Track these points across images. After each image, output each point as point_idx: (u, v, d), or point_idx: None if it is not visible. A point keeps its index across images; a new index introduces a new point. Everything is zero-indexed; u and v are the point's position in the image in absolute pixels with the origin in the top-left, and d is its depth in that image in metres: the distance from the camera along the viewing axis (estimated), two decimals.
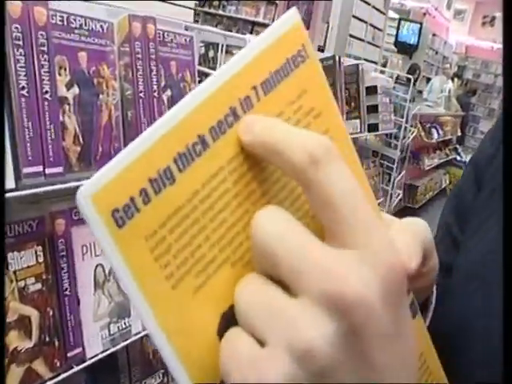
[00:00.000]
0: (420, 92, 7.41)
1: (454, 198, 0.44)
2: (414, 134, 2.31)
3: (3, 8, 0.54)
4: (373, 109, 1.78)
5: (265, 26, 4.35)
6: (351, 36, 5.70)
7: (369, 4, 6.20)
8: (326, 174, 0.16)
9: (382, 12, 7.04)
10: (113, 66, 0.75)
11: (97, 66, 0.73)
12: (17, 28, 0.60)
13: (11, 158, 0.61)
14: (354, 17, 5.72)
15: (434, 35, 8.37)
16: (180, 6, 0.98)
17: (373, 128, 1.76)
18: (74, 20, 0.70)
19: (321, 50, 5.51)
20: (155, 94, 0.79)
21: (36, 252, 0.72)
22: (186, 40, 0.90)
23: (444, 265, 0.38)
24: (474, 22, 10.87)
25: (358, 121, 1.63)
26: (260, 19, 4.41)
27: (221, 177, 0.17)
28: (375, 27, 6.76)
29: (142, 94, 0.77)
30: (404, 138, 2.01)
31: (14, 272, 0.68)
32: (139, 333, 0.87)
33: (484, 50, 10.45)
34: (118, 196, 0.15)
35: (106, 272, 0.82)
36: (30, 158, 0.62)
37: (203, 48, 1.05)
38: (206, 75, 1.01)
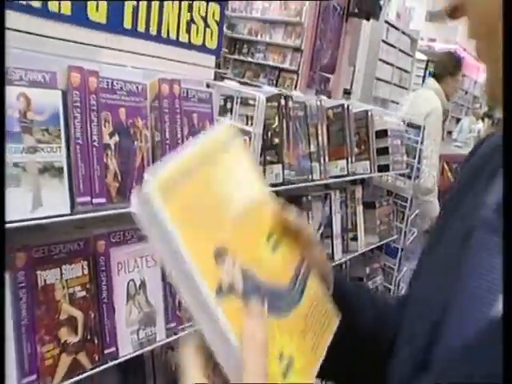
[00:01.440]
0: (450, 133, 7.48)
1: None
2: (428, 174, 2.43)
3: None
4: (384, 151, 1.92)
5: (291, 71, 4.62)
6: (377, 79, 5.88)
7: (395, 47, 6.41)
8: None
9: (409, 54, 7.23)
10: (145, 118, 0.95)
11: (133, 119, 0.93)
12: (76, 94, 0.81)
13: (68, 190, 0.81)
14: (380, 60, 5.92)
15: (463, 76, 8.48)
16: (204, 66, 1.19)
17: (383, 169, 1.90)
18: (117, 84, 0.91)
19: (347, 92, 5.72)
20: (179, 140, 0.98)
21: (82, 266, 0.90)
22: (206, 96, 1.10)
23: None
24: None
25: (367, 162, 1.77)
26: (286, 65, 4.67)
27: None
28: (402, 69, 6.92)
29: (168, 141, 0.96)
30: (417, 177, 2.12)
31: (66, 280, 0.86)
32: (162, 340, 1.02)
33: None
34: (165, 186, 0.32)
35: (137, 286, 0.99)
36: (81, 190, 0.82)
37: (223, 100, 1.25)
38: None
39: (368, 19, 4.73)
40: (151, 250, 1.02)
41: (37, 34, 0.84)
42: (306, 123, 1.45)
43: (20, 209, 0.75)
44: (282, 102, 1.32)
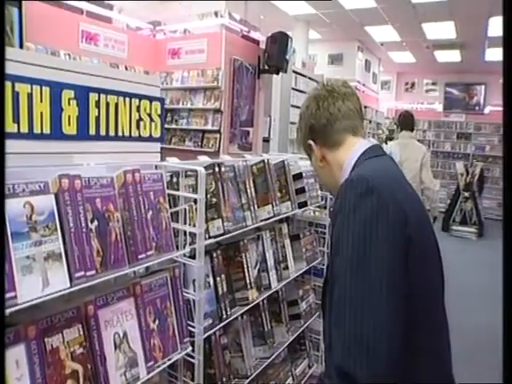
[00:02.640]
0: None
1: None
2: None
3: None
4: (301, 190, 2.31)
5: (213, 131, 4.96)
6: (292, 123, 6.41)
7: (304, 92, 7.04)
8: None
9: None
10: (115, 203, 1.22)
11: (106, 206, 1.19)
12: (67, 194, 1.07)
13: (66, 268, 1.04)
14: (292, 106, 6.47)
15: (365, 107, 9.50)
16: (152, 152, 1.47)
17: (303, 205, 2.28)
18: (92, 180, 1.17)
19: (266, 140, 6.22)
20: (142, 215, 1.26)
21: (78, 328, 1.12)
22: (157, 176, 1.39)
23: None
24: (399, 89, 12.36)
25: (289, 202, 2.14)
26: (209, 127, 5.00)
27: None
28: None
29: (135, 218, 1.23)
30: (331, 207, 2.54)
31: (67, 342, 1.09)
32: (144, 377, 1.26)
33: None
34: None
35: (121, 337, 1.23)
36: (77, 267, 1.06)
37: (169, 176, 1.54)
38: (173, 196, 1.49)
39: (278, 73, 5.30)
40: (128, 307, 1.27)
41: (26, 153, 1.10)
42: (236, 181, 1.79)
43: (33, 290, 0.98)
44: (216, 168, 1.65)
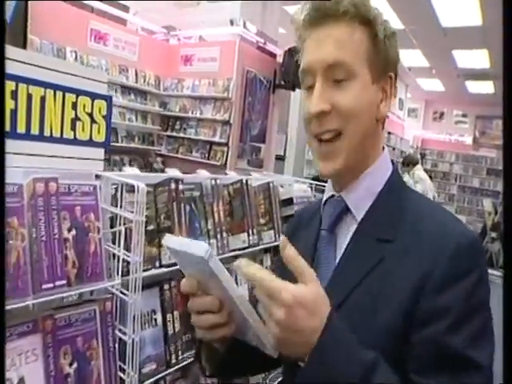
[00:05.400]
0: None
1: None
2: None
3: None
4: (290, 218, 2.05)
5: (221, 144, 4.79)
6: None
7: None
8: None
9: None
10: (22, 217, 1.00)
11: (9, 220, 0.97)
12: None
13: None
14: None
15: (389, 133, 9.18)
16: (92, 159, 1.26)
17: None
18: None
19: (281, 158, 5.98)
20: (55, 235, 1.02)
21: None
22: (89, 188, 1.16)
23: None
24: (427, 118, 11.97)
25: (272, 231, 1.88)
26: (217, 139, 4.84)
27: None
28: None
29: (43, 238, 1.00)
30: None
31: None
32: None
33: (438, 142, 11.37)
34: None
35: None
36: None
37: (114, 189, 1.32)
38: (116, 214, 1.26)
39: (294, 89, 5.09)
40: (31, 346, 1.03)
41: None
42: (202, 202, 1.54)
43: None
44: (173, 185, 1.41)
